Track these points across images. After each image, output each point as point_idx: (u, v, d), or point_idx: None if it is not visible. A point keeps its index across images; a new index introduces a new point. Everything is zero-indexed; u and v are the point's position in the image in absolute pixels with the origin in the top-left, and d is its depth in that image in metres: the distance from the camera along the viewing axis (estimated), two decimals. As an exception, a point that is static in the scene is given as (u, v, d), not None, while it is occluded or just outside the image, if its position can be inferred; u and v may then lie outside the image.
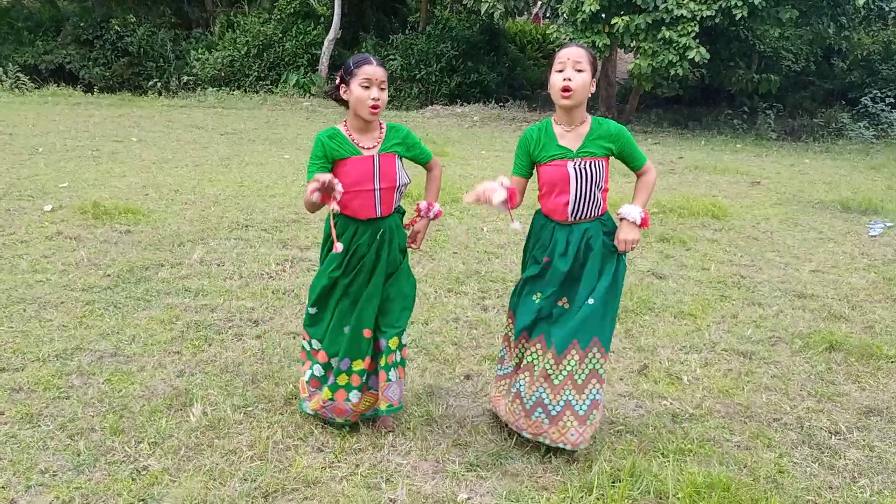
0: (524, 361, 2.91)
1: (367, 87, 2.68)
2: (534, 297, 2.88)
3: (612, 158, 2.82)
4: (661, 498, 2.63)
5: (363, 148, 2.77)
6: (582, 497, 2.62)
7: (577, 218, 2.78)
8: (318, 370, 2.95)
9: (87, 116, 12.34)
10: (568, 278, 2.82)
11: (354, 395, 2.91)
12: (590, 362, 2.79)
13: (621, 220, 2.83)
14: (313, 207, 2.71)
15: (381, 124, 2.85)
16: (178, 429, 2.96)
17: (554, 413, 2.79)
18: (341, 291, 2.86)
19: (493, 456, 2.89)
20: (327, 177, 2.49)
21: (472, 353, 3.85)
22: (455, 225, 6.32)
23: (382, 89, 2.71)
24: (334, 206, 2.59)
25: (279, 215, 6.33)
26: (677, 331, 4.23)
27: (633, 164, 2.86)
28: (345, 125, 2.82)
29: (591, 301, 2.77)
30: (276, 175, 8.13)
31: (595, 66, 2.69)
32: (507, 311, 3.09)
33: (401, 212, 2.97)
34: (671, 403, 3.39)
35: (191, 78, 18.37)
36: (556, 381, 2.78)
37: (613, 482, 2.70)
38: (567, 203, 2.74)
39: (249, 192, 7.19)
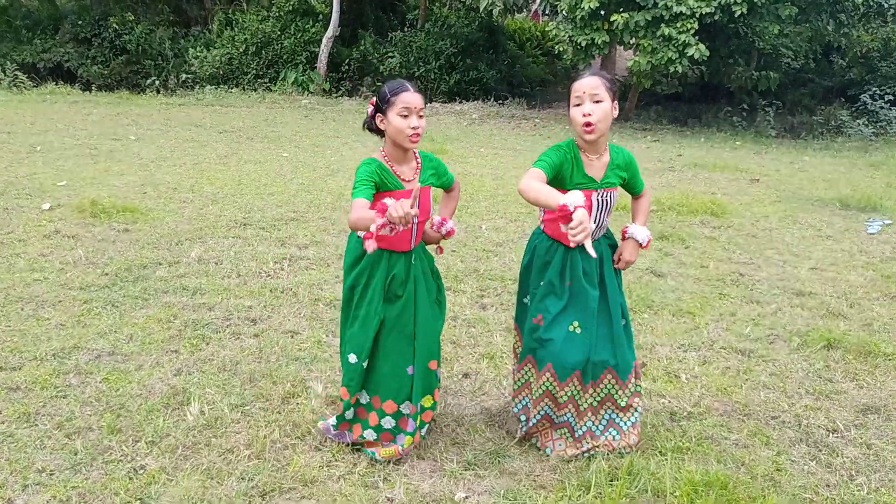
0: (581, 406, 2.83)
1: (406, 116, 2.55)
2: (571, 328, 2.76)
3: None
4: (658, 496, 2.62)
5: (404, 181, 2.66)
6: (580, 495, 2.62)
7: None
8: (388, 423, 2.79)
9: (85, 115, 12.33)
10: (595, 301, 2.80)
11: (426, 429, 2.89)
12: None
13: (627, 238, 2.84)
14: (361, 227, 2.39)
15: (415, 153, 2.73)
16: (175, 428, 2.96)
17: (625, 429, 2.92)
18: (390, 327, 2.72)
19: (491, 454, 2.89)
20: (408, 209, 2.18)
21: (470, 351, 3.85)
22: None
23: (421, 117, 2.57)
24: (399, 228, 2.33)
25: (277, 213, 6.33)
26: (676, 329, 4.23)
27: (635, 189, 2.90)
28: (383, 154, 2.67)
29: (623, 322, 2.86)
30: (274, 173, 8.12)
31: (614, 90, 2.61)
32: (520, 359, 2.91)
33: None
34: (669, 401, 3.39)
35: (189, 76, 18.33)
36: (622, 403, 2.88)
37: (611, 481, 2.70)
38: None
39: (247, 190, 7.19)
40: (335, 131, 12.02)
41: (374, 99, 2.66)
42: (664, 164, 9.92)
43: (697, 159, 10.46)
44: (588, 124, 2.57)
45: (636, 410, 2.92)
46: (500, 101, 17.04)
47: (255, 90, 17.33)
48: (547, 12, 15.43)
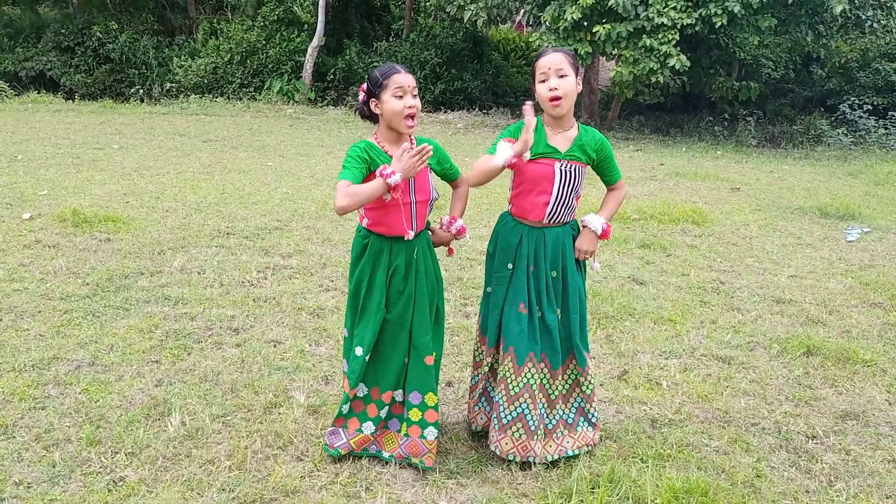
0: (552, 395, 2.86)
1: (401, 97, 2.58)
2: (519, 310, 2.81)
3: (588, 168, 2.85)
4: (639, 503, 2.64)
5: None
6: (562, 503, 2.63)
7: (552, 221, 2.79)
8: (384, 412, 2.80)
9: (67, 124, 12.24)
10: (556, 286, 2.83)
11: (430, 433, 2.75)
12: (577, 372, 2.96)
13: (584, 227, 2.88)
14: (359, 202, 2.49)
15: (410, 137, 2.72)
16: (155, 439, 2.94)
17: (594, 421, 2.98)
18: (393, 321, 2.73)
19: (474, 463, 2.89)
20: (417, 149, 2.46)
21: (453, 359, 3.85)
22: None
23: (415, 96, 2.61)
24: (389, 196, 2.54)
25: (261, 223, 6.31)
26: (657, 336, 4.26)
27: (609, 176, 2.91)
28: (375, 137, 2.70)
29: (578, 315, 2.89)
30: (258, 182, 8.10)
31: (576, 65, 2.70)
32: (484, 345, 2.97)
33: (430, 227, 2.86)
34: (651, 409, 3.41)
35: (173, 85, 18.27)
36: (587, 391, 2.96)
37: (593, 488, 2.71)
38: (546, 203, 2.74)
39: (231, 199, 7.16)
40: (320, 140, 12.02)
41: (365, 84, 2.66)
42: (646, 174, 10.00)
43: (679, 168, 10.55)
44: (555, 98, 2.64)
45: (595, 409, 2.97)
46: (485, 111, 17.13)
47: (240, 99, 17.30)
48: (530, 23, 15.55)
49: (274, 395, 3.34)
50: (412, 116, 2.61)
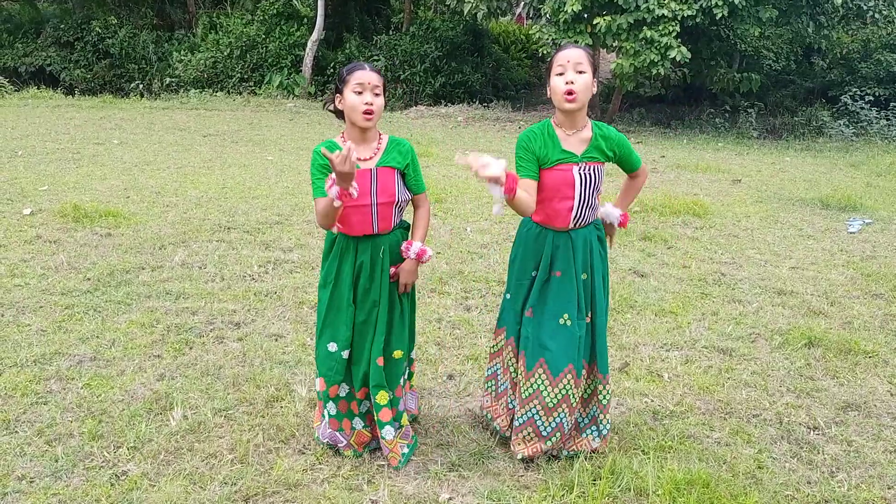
0: (573, 403, 2.79)
1: (360, 93, 2.56)
2: (562, 321, 2.72)
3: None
4: (641, 495, 2.64)
5: (360, 160, 2.61)
6: (563, 495, 2.63)
7: (577, 224, 2.72)
8: (364, 406, 2.82)
9: (67, 119, 12.22)
10: (586, 289, 2.78)
11: (387, 432, 2.76)
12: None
13: (604, 222, 2.84)
14: (328, 218, 2.51)
15: (380, 135, 2.71)
16: (157, 433, 2.94)
17: (604, 434, 2.95)
18: (362, 319, 2.72)
19: (476, 455, 2.90)
20: (345, 154, 2.28)
21: (455, 353, 3.85)
22: (439, 225, 6.32)
23: (377, 94, 2.58)
24: (353, 191, 2.41)
25: (262, 217, 6.30)
26: (658, 328, 4.26)
27: (631, 166, 2.84)
28: (342, 136, 2.69)
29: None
30: (259, 176, 8.09)
31: (595, 65, 2.63)
32: (511, 350, 2.90)
33: (404, 226, 2.82)
34: (652, 401, 3.41)
35: (173, 79, 18.22)
36: (604, 401, 2.93)
37: (594, 480, 2.71)
38: (571, 209, 2.67)
39: (232, 193, 7.16)
40: (320, 134, 12.00)
41: (336, 82, 2.69)
42: (647, 166, 9.95)
43: (680, 160, 10.54)
44: (570, 92, 2.56)
45: (608, 421, 2.94)
46: (486, 104, 17.08)
47: (240, 94, 17.26)
48: (531, 15, 15.49)
49: (276, 388, 3.35)
50: (370, 113, 2.57)
